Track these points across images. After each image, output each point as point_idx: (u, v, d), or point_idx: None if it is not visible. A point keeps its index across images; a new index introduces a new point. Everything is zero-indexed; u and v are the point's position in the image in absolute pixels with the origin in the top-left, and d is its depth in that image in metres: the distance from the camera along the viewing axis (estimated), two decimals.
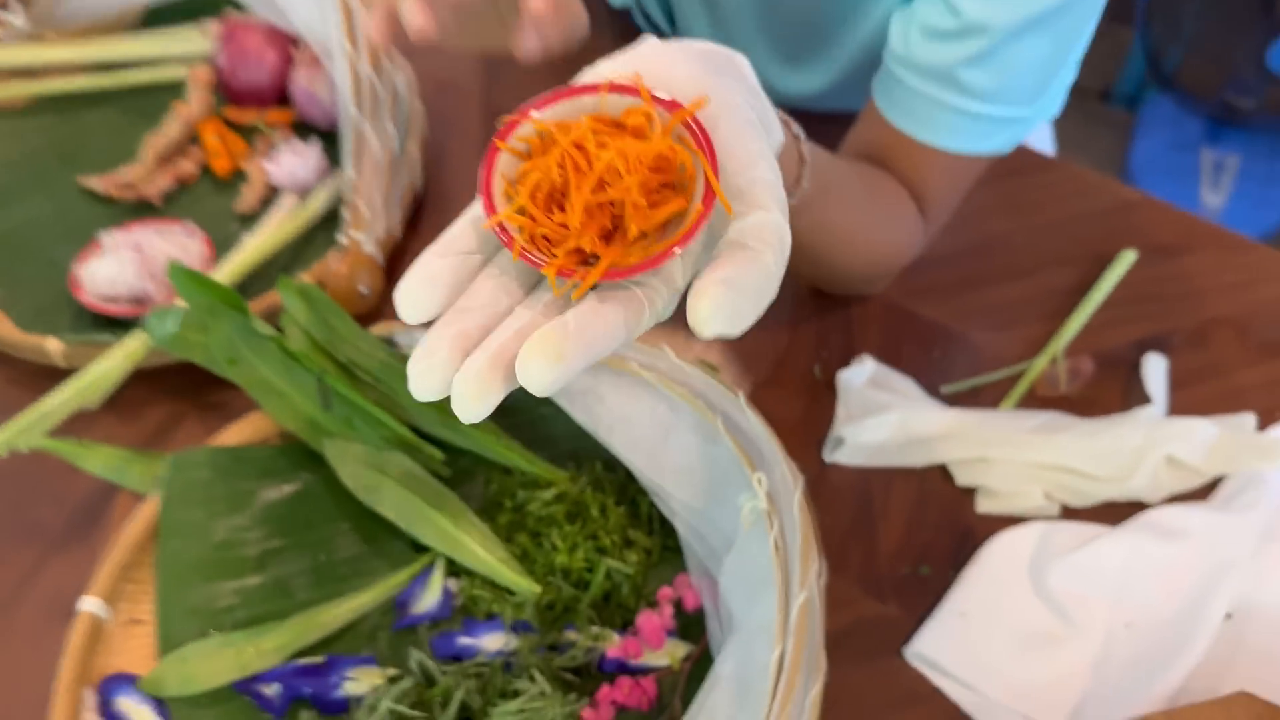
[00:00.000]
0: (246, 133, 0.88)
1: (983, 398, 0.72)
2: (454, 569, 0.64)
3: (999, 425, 0.69)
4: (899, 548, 0.66)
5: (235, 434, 0.68)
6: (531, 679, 0.58)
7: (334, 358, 0.68)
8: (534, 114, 0.40)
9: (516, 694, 0.57)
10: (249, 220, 0.83)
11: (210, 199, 0.85)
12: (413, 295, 0.37)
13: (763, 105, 0.45)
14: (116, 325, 0.76)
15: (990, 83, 0.63)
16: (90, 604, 0.60)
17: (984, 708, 0.60)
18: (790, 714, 0.50)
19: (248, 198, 0.83)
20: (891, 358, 0.74)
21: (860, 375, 0.72)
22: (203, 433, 0.73)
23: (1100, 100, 2.44)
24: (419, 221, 0.84)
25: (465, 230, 0.39)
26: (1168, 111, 2.32)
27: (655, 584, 0.63)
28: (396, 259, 0.80)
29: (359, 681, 0.60)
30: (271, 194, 0.84)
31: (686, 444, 0.61)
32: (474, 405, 0.35)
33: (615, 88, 0.40)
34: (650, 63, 0.41)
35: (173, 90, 0.91)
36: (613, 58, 0.42)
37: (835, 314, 0.76)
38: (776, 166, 0.39)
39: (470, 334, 0.36)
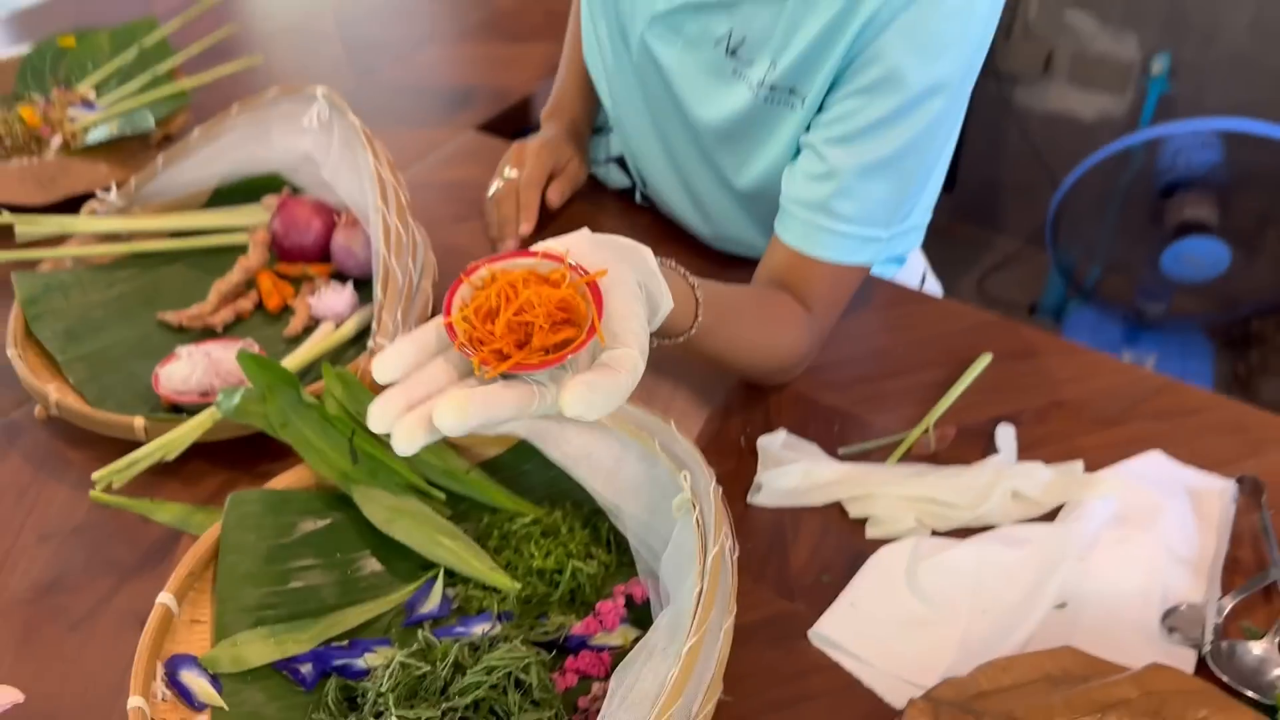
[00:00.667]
0: (294, 281, 1.11)
1: (871, 459, 0.91)
2: (451, 581, 0.81)
3: (882, 473, 0.88)
4: (806, 564, 0.84)
5: (282, 481, 0.86)
6: (511, 643, 0.74)
7: (361, 424, 0.87)
8: (489, 265, 0.62)
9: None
10: (294, 342, 1.04)
11: (263, 328, 1.07)
12: (386, 364, 0.58)
13: (656, 282, 0.68)
14: (182, 413, 0.96)
15: (852, 210, 0.87)
16: (165, 598, 0.77)
17: (872, 674, 0.76)
18: (706, 637, 0.66)
19: (294, 325, 1.04)
20: (800, 431, 0.93)
21: (776, 441, 0.91)
22: None
23: (1029, 313, 2.73)
24: None
25: (430, 330, 0.59)
26: (1089, 320, 2.60)
27: (611, 586, 0.80)
28: None
29: (378, 655, 0.75)
30: (313, 323, 1.06)
31: (635, 469, 0.80)
32: (405, 444, 0.55)
33: (547, 255, 0.63)
34: (579, 244, 0.64)
35: (233, 252, 1.15)
36: (558, 239, 0.65)
37: (758, 399, 0.97)
38: (645, 324, 0.60)
39: (415, 397, 0.56)
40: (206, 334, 1.06)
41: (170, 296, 1.10)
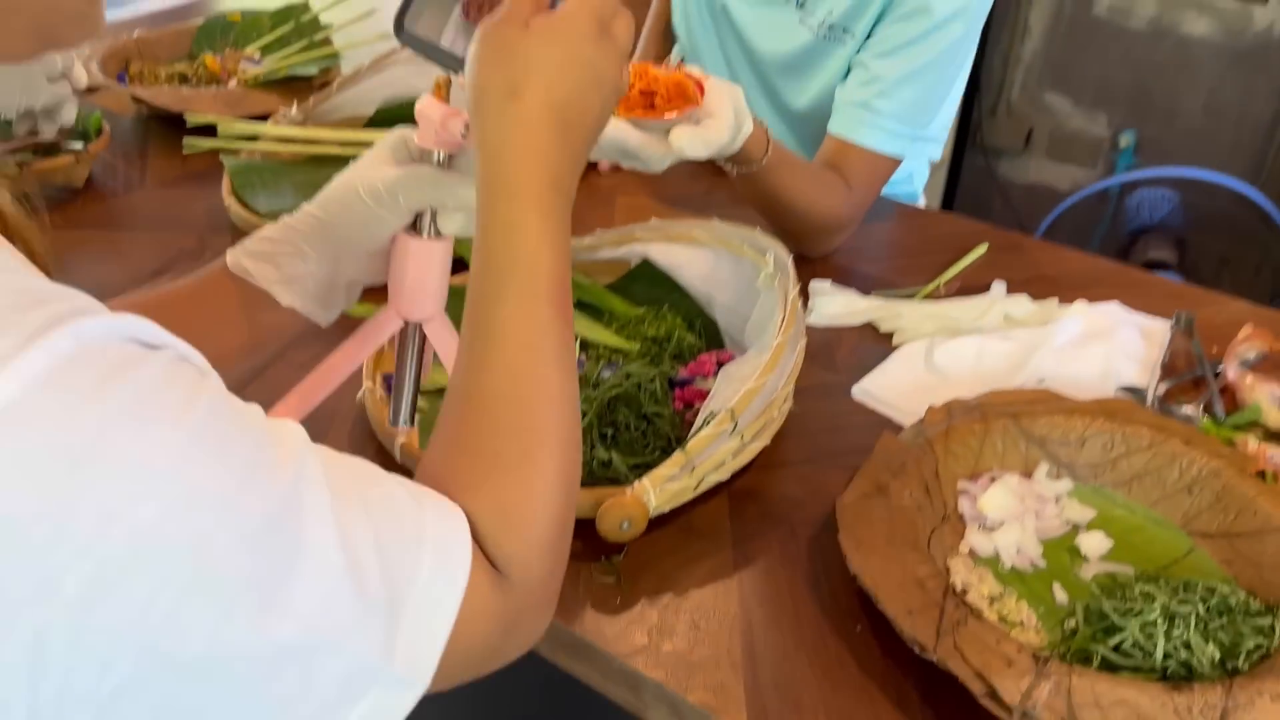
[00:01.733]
0: None
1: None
2: (582, 352, 1.08)
3: (907, 304, 1.16)
4: (847, 361, 1.11)
5: None
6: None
7: None
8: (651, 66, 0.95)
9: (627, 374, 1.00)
10: None
11: None
12: None
13: (743, 110, 1.01)
14: None
15: (889, 107, 1.18)
16: None
17: (897, 414, 1.02)
18: (784, 354, 0.93)
19: None
20: (843, 282, 1.21)
21: (825, 284, 1.19)
22: None
23: None
24: None
25: None
26: None
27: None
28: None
29: None
30: None
31: (726, 266, 1.08)
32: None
33: (688, 76, 0.96)
34: (712, 80, 0.97)
35: None
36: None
37: (809, 267, 1.25)
38: (732, 114, 0.97)
39: None
40: None
41: None
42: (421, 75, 1.40)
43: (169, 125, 1.48)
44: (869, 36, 1.21)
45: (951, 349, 1.08)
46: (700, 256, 1.10)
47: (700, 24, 1.40)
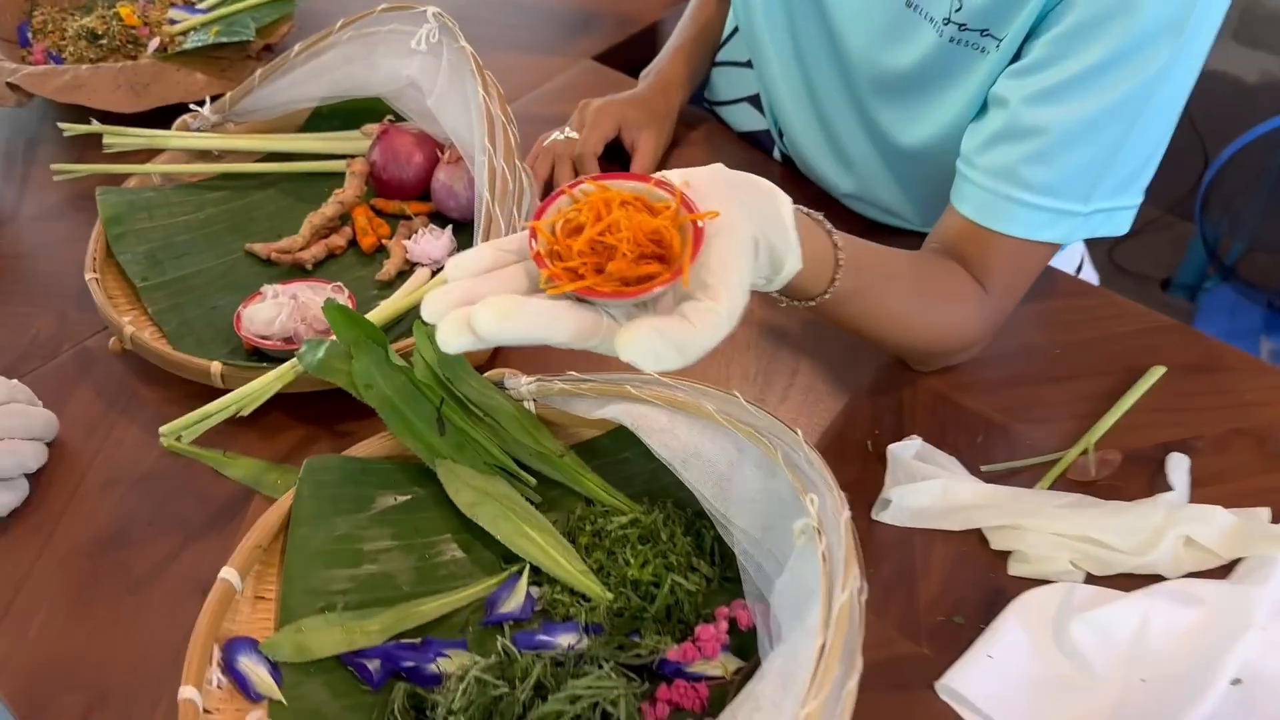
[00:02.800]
0: (390, 219, 1.03)
1: (1018, 479, 0.80)
2: (536, 579, 0.73)
3: (1032, 500, 0.77)
4: (936, 599, 0.74)
5: (362, 449, 0.79)
6: (599, 665, 0.66)
7: (451, 391, 0.79)
8: (600, 181, 0.56)
9: (585, 674, 0.65)
10: (387, 288, 0.96)
11: (355, 269, 0.99)
12: (461, 262, 0.54)
13: (784, 237, 0.59)
14: (264, 360, 0.89)
15: (1047, 178, 0.75)
16: (228, 574, 0.70)
17: None
18: (828, 697, 0.57)
19: (388, 269, 0.96)
20: (937, 440, 0.82)
21: (909, 450, 0.81)
22: (331, 452, 0.84)
23: (1161, 289, 2.54)
24: None
25: (514, 239, 0.56)
26: (1227, 301, 2.41)
27: (713, 606, 0.71)
28: None
29: (451, 660, 0.68)
30: (408, 268, 0.97)
31: (749, 477, 0.70)
32: (448, 339, 0.50)
33: (661, 183, 0.56)
34: (703, 179, 0.57)
35: (328, 179, 1.07)
36: (686, 170, 0.58)
37: (889, 398, 0.86)
38: (745, 283, 0.53)
39: (475, 295, 0.51)
40: (295, 271, 0.98)
41: (260, 224, 1.03)
42: (364, 61, 1.01)
43: (74, 114, 1.13)
44: (1018, 56, 0.77)
45: (1098, 620, 0.70)
46: (712, 446, 0.73)
47: (766, 11, 0.96)
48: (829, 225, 0.67)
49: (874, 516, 0.78)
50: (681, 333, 0.50)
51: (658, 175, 0.56)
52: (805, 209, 0.67)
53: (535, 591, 0.73)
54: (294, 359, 0.82)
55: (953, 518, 0.77)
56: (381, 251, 1.00)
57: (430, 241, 0.97)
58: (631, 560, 0.72)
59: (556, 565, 0.72)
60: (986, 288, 0.81)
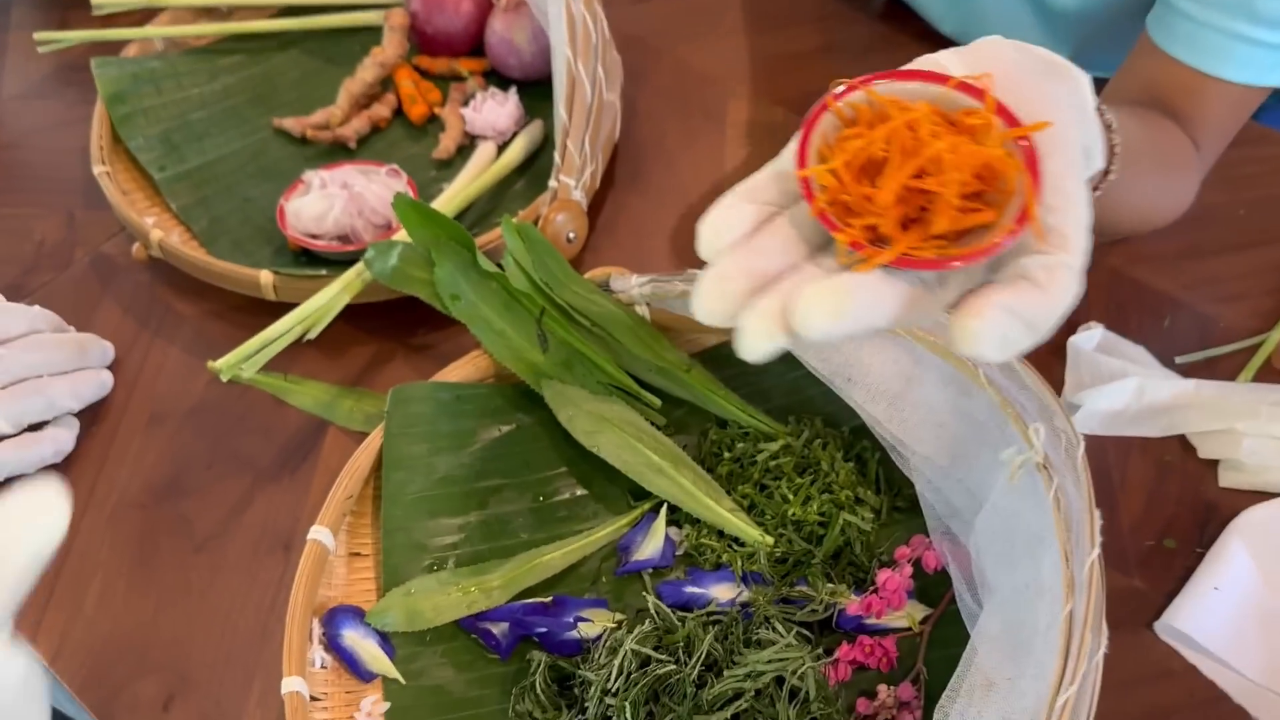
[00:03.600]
0: (440, 81, 0.88)
1: (1219, 371, 0.69)
2: (675, 517, 0.63)
3: (1243, 397, 0.65)
4: (1140, 520, 0.63)
5: (454, 372, 0.67)
6: (774, 629, 0.56)
7: (552, 299, 0.67)
8: (877, 85, 0.40)
9: (759, 644, 0.55)
10: (445, 167, 0.82)
11: (405, 144, 0.84)
12: (716, 229, 0.39)
13: (1092, 129, 0.43)
14: (318, 260, 0.75)
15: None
16: (319, 533, 0.59)
17: (1243, 689, 0.57)
18: (1083, 674, 0.47)
19: (446, 145, 0.82)
20: (1118, 325, 0.70)
21: (1090, 341, 0.69)
22: (410, 373, 0.72)
23: None
24: (613, 172, 0.83)
25: (767, 181, 0.40)
26: None
27: (886, 544, 0.61)
28: (596, 208, 0.79)
29: (593, 623, 0.58)
30: (469, 142, 0.83)
31: (932, 396, 0.59)
32: (760, 344, 0.36)
33: (963, 86, 0.39)
34: (997, 65, 0.41)
35: (359, 36, 0.91)
36: (956, 52, 0.42)
37: None
38: (1090, 212, 0.38)
39: (764, 273, 0.38)
40: (336, 151, 0.84)
41: (286, 94, 0.88)
42: None
43: None
44: None
45: None
46: (880, 358, 0.61)
47: None
48: (1097, 99, 0.53)
49: None
50: (1033, 304, 0.36)
51: (951, 65, 0.41)
52: None
53: (675, 533, 0.62)
54: (358, 265, 0.69)
55: (1152, 422, 0.66)
56: (434, 122, 0.85)
57: (493, 109, 0.82)
58: (791, 497, 0.61)
59: (698, 504, 0.61)
60: (1198, 145, 0.67)
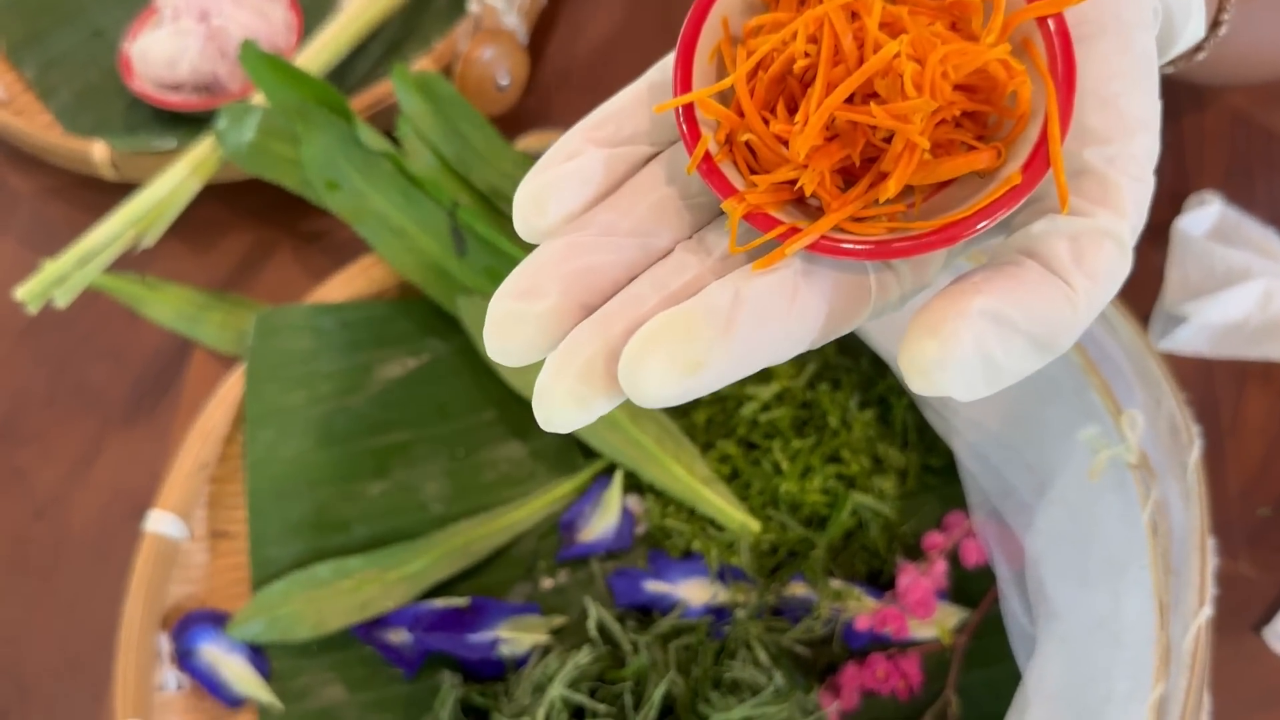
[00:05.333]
0: None
1: None
2: (634, 481, 0.48)
3: None
4: (1255, 479, 0.47)
5: (341, 287, 0.50)
6: (756, 661, 0.42)
7: (469, 183, 0.49)
8: None
9: (734, 686, 0.41)
10: None
11: None
12: (537, 198, 0.24)
13: None
14: (181, 121, 0.58)
15: None
16: (161, 520, 0.45)
17: None
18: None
19: None
20: (1243, 194, 0.52)
21: (1202, 222, 0.51)
22: (299, 271, 0.56)
23: None
24: None
25: (638, 102, 0.26)
26: None
27: (912, 518, 0.46)
28: (542, 35, 0.60)
29: (520, 635, 0.44)
30: None
31: None
32: (567, 414, 0.23)
33: None
34: None
35: None
36: None
37: (1163, 130, 0.54)
38: (1158, 137, 0.24)
39: (598, 279, 0.24)
40: None
41: None
42: None
43: None
44: None
45: None
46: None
47: None
48: None
49: (1155, 345, 0.49)
50: (1044, 308, 0.21)
51: None
52: None
53: (635, 504, 0.48)
54: (212, 137, 0.51)
55: (1277, 341, 0.49)
56: None
57: None
58: (786, 466, 0.45)
59: (664, 472, 0.46)
60: None
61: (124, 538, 0.50)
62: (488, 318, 0.24)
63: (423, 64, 0.54)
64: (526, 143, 0.51)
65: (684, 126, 0.23)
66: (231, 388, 0.48)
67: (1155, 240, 0.51)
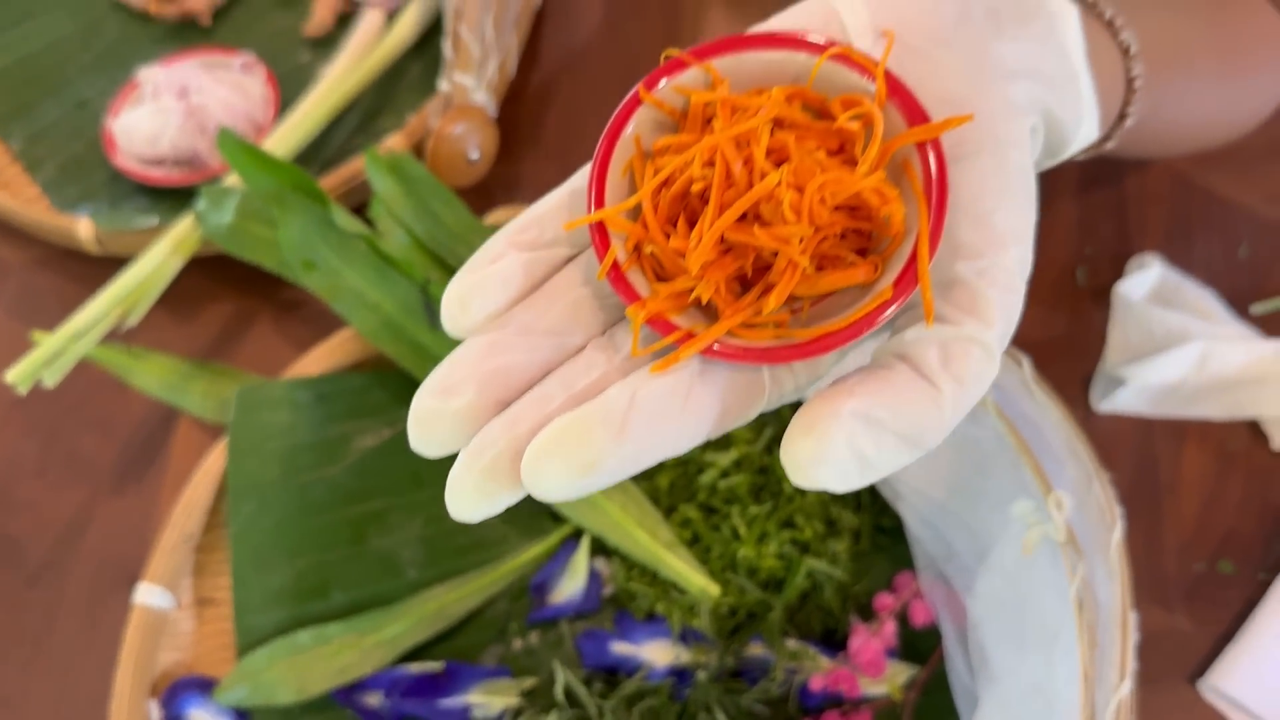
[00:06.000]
0: None
1: None
2: (602, 544, 0.50)
3: None
4: (1192, 534, 0.50)
5: (319, 359, 0.52)
6: (710, 713, 0.44)
7: (441, 259, 0.52)
8: (704, 59, 0.27)
9: None
10: (322, 46, 0.64)
11: (270, 17, 0.66)
12: (462, 299, 0.26)
13: (1071, 92, 0.30)
14: (164, 193, 0.60)
15: None
16: (147, 594, 0.48)
17: None
18: None
19: (319, 15, 0.64)
20: (1182, 254, 0.54)
21: (1142, 285, 0.53)
22: (279, 339, 0.58)
23: None
24: (536, 48, 0.64)
25: (559, 207, 0.28)
26: None
27: (865, 577, 0.48)
28: (514, 101, 0.62)
29: (491, 699, 0.47)
30: (348, 10, 0.65)
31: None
32: (475, 505, 0.25)
33: (843, 57, 0.27)
34: (909, 13, 0.28)
35: None
36: None
37: (1103, 191, 0.57)
38: (1028, 242, 0.26)
39: (512, 377, 0.26)
40: (188, 30, 0.66)
41: None
42: None
43: None
44: None
45: None
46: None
47: None
48: (1109, 11, 0.36)
49: (1096, 406, 0.52)
50: (912, 409, 0.24)
51: (825, 6, 0.28)
52: None
53: (602, 566, 0.50)
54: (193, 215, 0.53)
55: (1215, 399, 0.51)
56: None
57: None
58: (744, 533, 0.48)
59: (627, 538, 0.48)
60: None
61: (115, 604, 0.52)
62: (410, 413, 0.26)
63: (395, 140, 0.56)
64: (495, 217, 0.54)
65: (596, 237, 0.26)
66: (214, 461, 0.50)
67: (1098, 302, 0.54)
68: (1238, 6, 0.46)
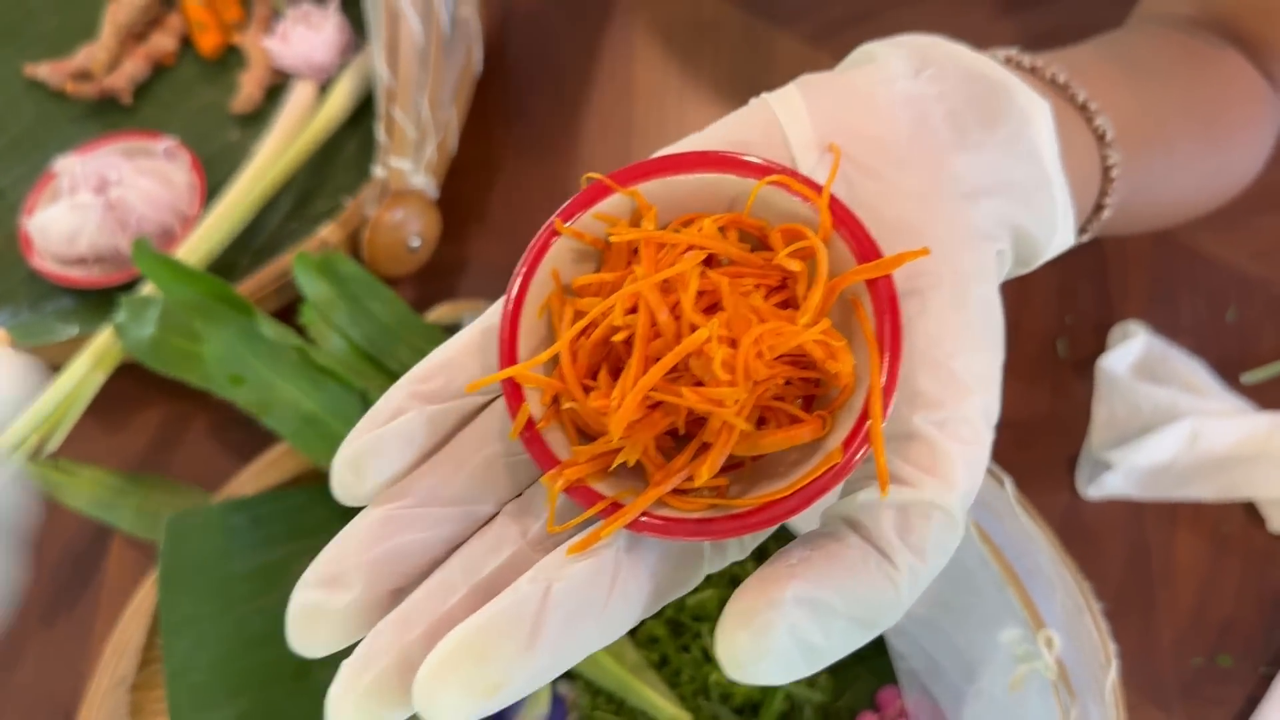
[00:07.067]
0: None
1: None
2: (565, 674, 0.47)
3: None
4: (1187, 627, 0.47)
5: (254, 476, 0.49)
6: None
7: (381, 363, 0.48)
8: (649, 184, 0.24)
9: None
10: (252, 123, 0.61)
11: (199, 90, 0.62)
12: (357, 464, 0.24)
13: (1046, 203, 0.27)
14: (86, 292, 0.56)
15: None
16: None
17: None
18: None
19: (247, 90, 0.60)
20: (1166, 319, 0.51)
21: (1127, 357, 0.50)
22: (214, 446, 0.54)
23: None
24: (481, 117, 0.61)
25: (470, 350, 0.25)
26: None
27: (846, 692, 0.45)
28: (455, 182, 0.58)
29: None
30: (279, 81, 0.61)
31: None
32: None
33: (783, 180, 0.24)
34: (859, 123, 0.25)
35: None
36: (808, 91, 0.26)
37: (1082, 254, 0.54)
38: (996, 393, 0.24)
39: (409, 562, 0.23)
40: (108, 109, 0.62)
41: (44, 22, 0.65)
42: None
43: None
44: None
45: None
46: None
47: None
48: (1082, 94, 0.33)
49: (1083, 492, 0.49)
50: (861, 591, 0.21)
51: (766, 122, 0.26)
52: (1052, 73, 0.33)
53: (566, 689, 0.47)
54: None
55: (1207, 480, 0.48)
56: (233, 54, 0.63)
57: (307, 36, 0.59)
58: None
59: (592, 662, 0.45)
60: (1275, 78, 0.45)
61: None
62: (289, 609, 0.23)
63: (330, 230, 0.53)
64: (438, 314, 0.50)
65: (508, 392, 0.23)
66: (145, 597, 0.47)
67: (1081, 375, 0.51)
68: (1216, 68, 0.43)
